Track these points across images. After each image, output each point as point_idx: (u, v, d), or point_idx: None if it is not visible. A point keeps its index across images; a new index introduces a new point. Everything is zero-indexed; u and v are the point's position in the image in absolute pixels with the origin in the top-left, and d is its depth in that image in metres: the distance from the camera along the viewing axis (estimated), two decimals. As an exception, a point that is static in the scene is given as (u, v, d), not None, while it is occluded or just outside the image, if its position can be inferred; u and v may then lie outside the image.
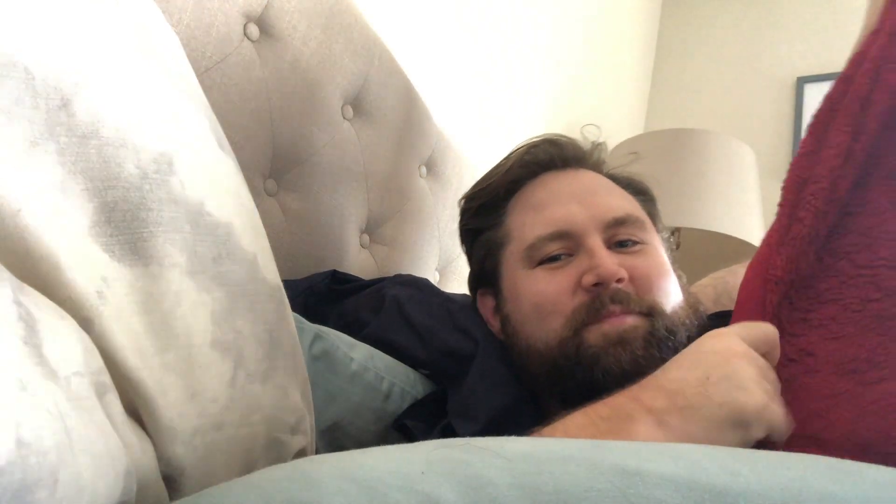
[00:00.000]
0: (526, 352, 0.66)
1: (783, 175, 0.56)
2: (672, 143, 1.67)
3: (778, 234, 0.54)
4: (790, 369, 0.51)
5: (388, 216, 1.02)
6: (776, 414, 0.48)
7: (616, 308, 0.60)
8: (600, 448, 0.30)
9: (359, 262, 0.96)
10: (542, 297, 0.64)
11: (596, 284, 0.62)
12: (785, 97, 2.17)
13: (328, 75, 0.90)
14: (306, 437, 0.44)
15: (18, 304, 0.26)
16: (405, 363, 0.71)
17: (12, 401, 0.24)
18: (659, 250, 0.70)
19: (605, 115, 2.11)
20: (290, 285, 0.76)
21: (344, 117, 0.95)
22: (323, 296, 0.81)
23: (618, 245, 0.67)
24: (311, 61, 0.87)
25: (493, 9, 1.46)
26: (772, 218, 0.58)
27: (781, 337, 0.51)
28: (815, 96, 2.11)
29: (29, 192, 0.29)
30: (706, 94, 2.33)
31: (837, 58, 2.13)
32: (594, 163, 0.77)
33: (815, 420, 0.49)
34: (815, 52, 2.18)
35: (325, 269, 0.88)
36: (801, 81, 2.14)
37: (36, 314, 0.27)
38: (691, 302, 0.68)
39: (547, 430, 0.51)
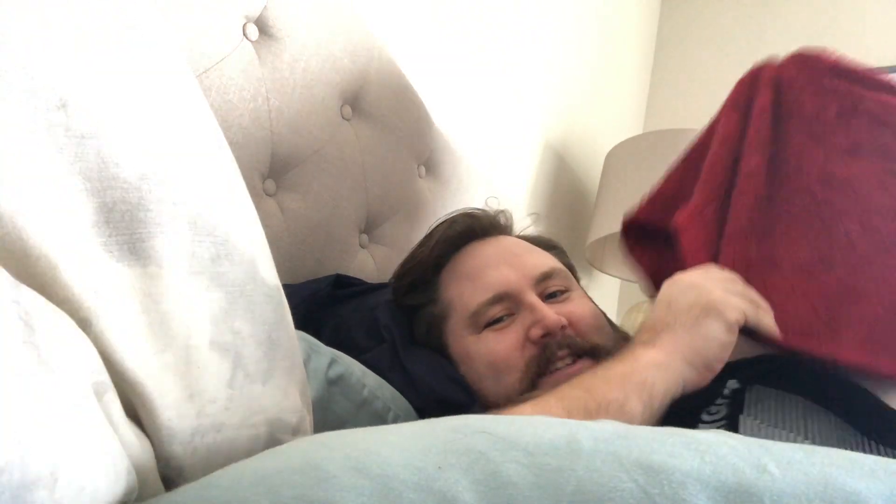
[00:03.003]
0: (486, 409, 0.69)
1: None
2: (672, 143, 1.67)
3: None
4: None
5: (388, 216, 1.02)
6: (742, 301, 0.58)
7: (564, 353, 0.67)
8: (626, 439, 0.29)
9: (358, 262, 0.96)
10: (494, 356, 0.70)
11: (543, 336, 0.67)
12: (784, 97, 2.17)
13: (327, 75, 0.90)
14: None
15: (17, 303, 0.26)
16: None
17: (12, 401, 0.24)
18: (584, 295, 0.77)
19: (605, 115, 2.11)
20: (292, 290, 0.76)
21: (343, 117, 0.95)
22: (323, 302, 0.81)
23: (549, 297, 0.73)
24: (310, 61, 0.87)
25: (493, 9, 1.46)
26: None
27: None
28: (814, 96, 2.11)
29: (27, 192, 0.29)
30: (706, 94, 2.33)
31: (837, 58, 2.13)
32: (507, 228, 0.83)
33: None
34: (814, 53, 2.18)
35: (325, 270, 0.88)
36: (801, 81, 2.14)
37: (35, 314, 0.27)
38: (623, 336, 0.74)
39: (542, 397, 0.54)
